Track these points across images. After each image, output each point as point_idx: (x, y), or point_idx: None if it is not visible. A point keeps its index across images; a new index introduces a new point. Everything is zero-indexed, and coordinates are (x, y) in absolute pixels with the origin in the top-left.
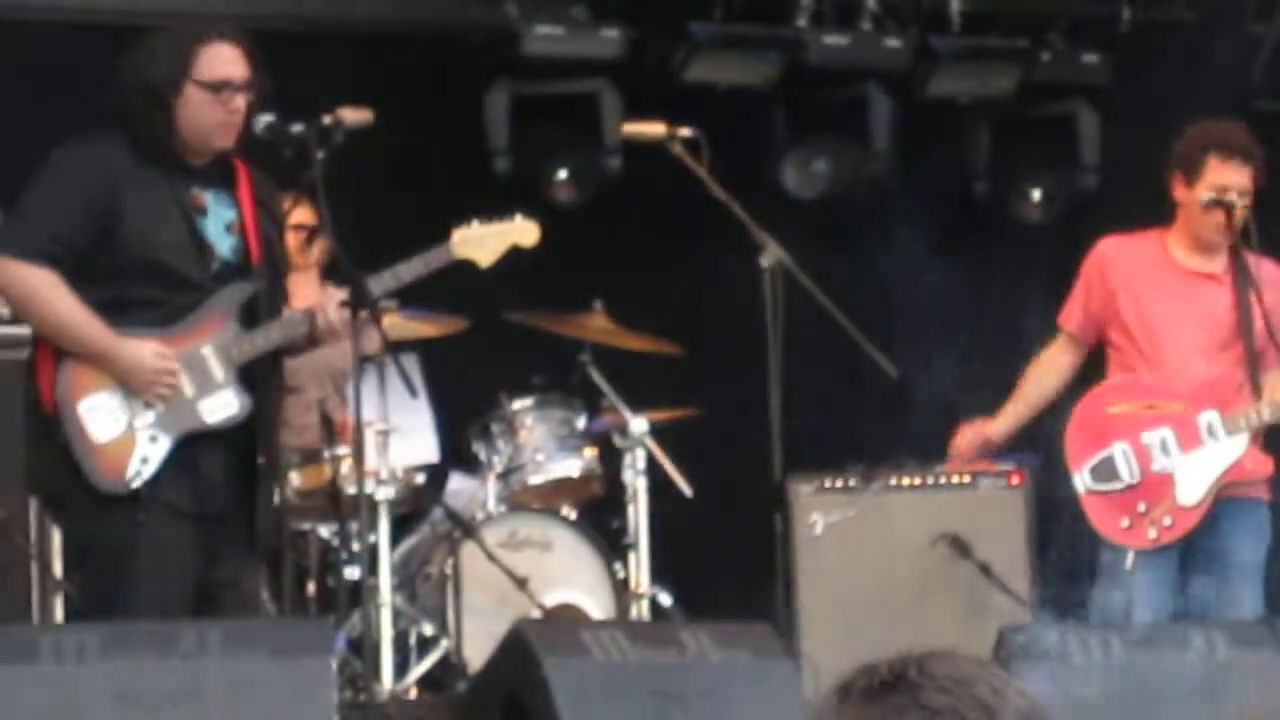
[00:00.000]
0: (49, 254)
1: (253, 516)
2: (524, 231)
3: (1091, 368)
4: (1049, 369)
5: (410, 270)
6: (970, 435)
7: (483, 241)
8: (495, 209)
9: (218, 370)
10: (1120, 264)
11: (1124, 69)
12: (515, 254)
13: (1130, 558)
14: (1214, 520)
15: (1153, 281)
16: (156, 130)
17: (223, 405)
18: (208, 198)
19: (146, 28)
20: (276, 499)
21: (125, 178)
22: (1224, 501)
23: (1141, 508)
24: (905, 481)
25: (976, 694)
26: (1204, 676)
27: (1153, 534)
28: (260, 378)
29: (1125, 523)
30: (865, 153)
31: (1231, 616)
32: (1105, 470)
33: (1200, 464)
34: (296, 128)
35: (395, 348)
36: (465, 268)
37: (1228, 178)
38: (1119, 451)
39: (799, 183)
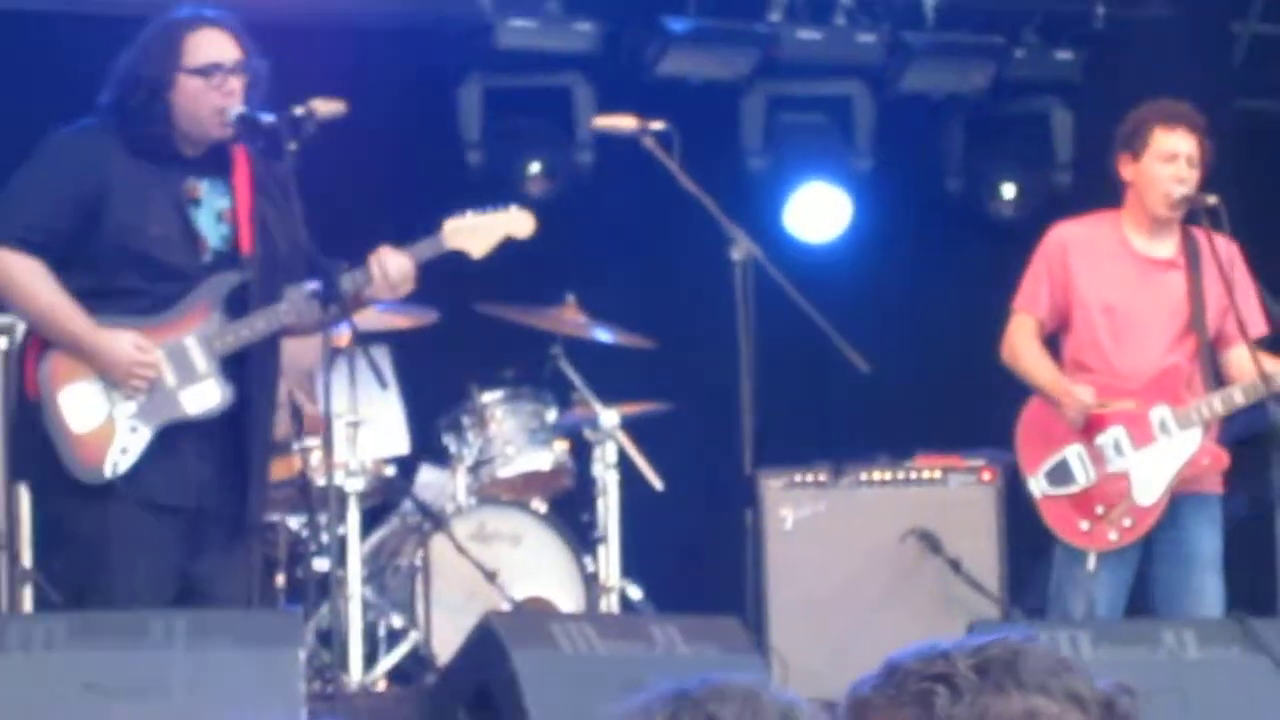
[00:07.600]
0: (32, 242)
1: (238, 505)
2: (519, 222)
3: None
4: (1038, 348)
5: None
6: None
7: (476, 231)
8: (468, 203)
9: (200, 361)
10: (1080, 250)
11: (1097, 66)
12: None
13: (1092, 560)
14: (1174, 514)
15: (1113, 270)
16: (154, 125)
17: (204, 395)
18: (203, 186)
19: (130, 19)
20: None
21: (116, 168)
22: (1182, 496)
23: (1099, 510)
24: (876, 476)
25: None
26: (1174, 675)
27: (1113, 535)
28: (255, 363)
29: (1085, 525)
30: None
31: (1194, 608)
32: (1060, 474)
33: (1155, 461)
34: (267, 119)
35: (366, 339)
36: (438, 259)
37: (1175, 144)
38: (1073, 454)
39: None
